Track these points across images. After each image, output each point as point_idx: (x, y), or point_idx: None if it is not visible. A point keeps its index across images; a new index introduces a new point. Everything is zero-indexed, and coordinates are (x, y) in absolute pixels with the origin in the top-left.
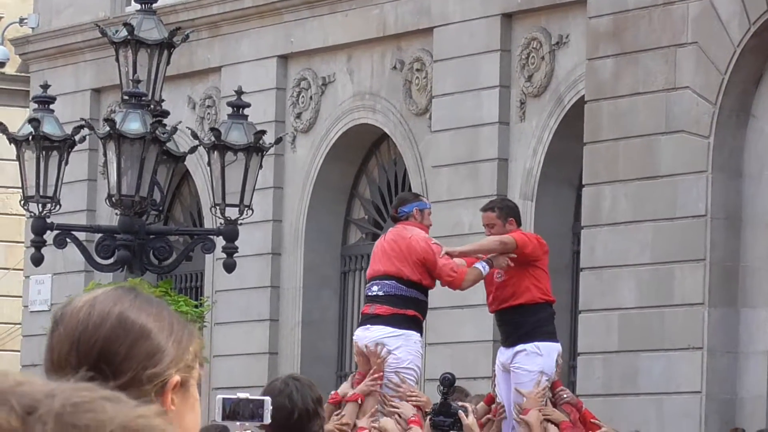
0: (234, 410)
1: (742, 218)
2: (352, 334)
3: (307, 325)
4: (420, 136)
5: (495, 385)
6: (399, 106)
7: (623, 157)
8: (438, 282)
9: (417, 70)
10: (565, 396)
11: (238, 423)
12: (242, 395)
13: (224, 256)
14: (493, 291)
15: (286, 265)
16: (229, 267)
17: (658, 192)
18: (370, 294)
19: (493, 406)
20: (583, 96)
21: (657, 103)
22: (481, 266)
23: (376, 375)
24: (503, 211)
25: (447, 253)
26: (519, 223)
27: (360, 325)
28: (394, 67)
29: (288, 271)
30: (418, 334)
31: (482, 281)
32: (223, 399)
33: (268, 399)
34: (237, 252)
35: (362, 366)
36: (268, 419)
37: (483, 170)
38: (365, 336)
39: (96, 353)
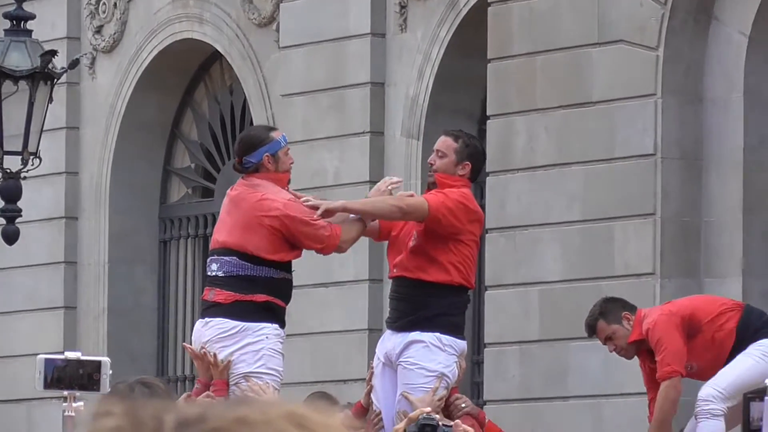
0: (59, 377)
1: (703, 158)
2: (175, 324)
3: (116, 314)
4: (264, 54)
5: (370, 386)
6: (235, 14)
7: (542, 78)
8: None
9: None
10: (463, 405)
11: (65, 392)
12: (71, 354)
13: (2, 222)
14: (402, 254)
15: (85, 232)
16: (11, 236)
17: (591, 125)
18: (209, 274)
19: (368, 417)
20: None
21: (586, 5)
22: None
23: (215, 390)
24: (467, 148)
25: (326, 210)
26: (474, 177)
27: (200, 316)
28: None
29: (88, 242)
30: (274, 326)
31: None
32: (45, 360)
33: (106, 360)
34: (20, 216)
35: (202, 372)
36: (106, 387)
37: (351, 99)
38: (203, 333)
39: None
